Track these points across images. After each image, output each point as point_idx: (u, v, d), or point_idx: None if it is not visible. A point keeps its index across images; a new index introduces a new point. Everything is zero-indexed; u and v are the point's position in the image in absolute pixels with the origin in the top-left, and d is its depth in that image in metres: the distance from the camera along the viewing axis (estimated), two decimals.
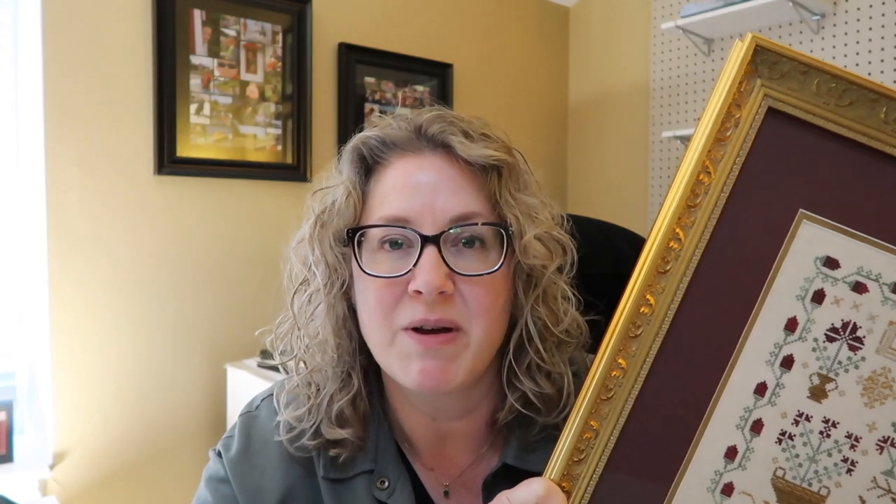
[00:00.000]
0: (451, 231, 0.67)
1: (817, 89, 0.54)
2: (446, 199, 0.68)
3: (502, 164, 0.71)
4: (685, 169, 0.55)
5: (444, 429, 0.77)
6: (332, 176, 0.76)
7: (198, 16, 2.28)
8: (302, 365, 0.76)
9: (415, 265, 0.66)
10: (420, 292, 0.65)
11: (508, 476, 0.71)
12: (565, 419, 0.71)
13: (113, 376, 2.15)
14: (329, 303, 0.73)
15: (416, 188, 0.69)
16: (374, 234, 0.70)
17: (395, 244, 0.69)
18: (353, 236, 0.70)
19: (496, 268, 0.68)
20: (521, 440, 0.74)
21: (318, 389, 0.75)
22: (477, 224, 0.68)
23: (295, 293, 0.76)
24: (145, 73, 2.20)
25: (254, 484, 0.75)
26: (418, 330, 0.67)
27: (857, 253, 0.54)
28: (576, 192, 3.47)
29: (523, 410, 0.73)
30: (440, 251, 0.66)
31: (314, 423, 0.74)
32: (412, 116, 0.74)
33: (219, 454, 0.79)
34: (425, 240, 0.66)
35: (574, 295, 0.75)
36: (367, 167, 0.74)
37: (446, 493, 0.77)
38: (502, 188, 0.71)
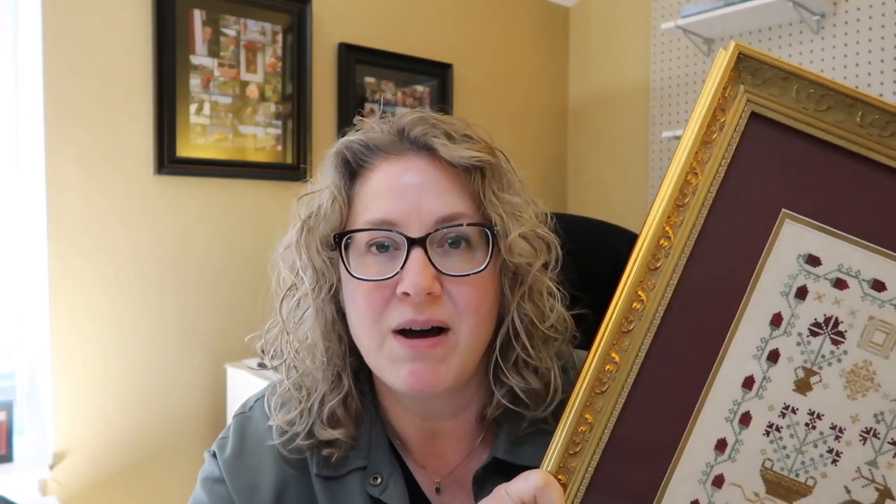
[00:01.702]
0: (437, 232, 0.68)
1: (797, 95, 0.57)
2: (431, 200, 0.69)
3: (485, 164, 0.71)
4: (674, 170, 0.58)
5: (435, 428, 0.77)
6: (317, 180, 0.77)
7: (198, 16, 2.29)
8: (293, 369, 0.77)
9: (402, 267, 0.66)
10: (408, 294, 0.66)
11: (499, 470, 0.72)
12: (553, 413, 0.73)
13: (113, 376, 2.16)
14: (317, 307, 0.74)
15: (400, 191, 0.70)
16: (361, 238, 0.70)
17: (382, 247, 0.69)
18: (339, 241, 0.71)
19: (482, 267, 0.69)
20: (511, 434, 0.75)
21: (309, 393, 0.76)
22: (462, 225, 0.69)
23: (283, 298, 0.76)
24: (145, 73, 2.20)
25: (249, 483, 0.76)
26: (407, 333, 0.68)
27: (837, 250, 0.57)
28: (576, 192, 3.47)
29: (511, 406, 0.74)
30: (427, 252, 0.67)
31: (307, 425, 0.74)
32: (395, 119, 0.75)
33: (213, 455, 0.79)
34: (412, 242, 0.67)
35: (559, 290, 0.76)
36: (352, 171, 0.74)
37: (438, 490, 0.77)
38: (486, 188, 0.71)
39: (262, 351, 0.79)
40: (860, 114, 0.56)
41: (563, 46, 3.53)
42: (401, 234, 0.67)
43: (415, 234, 0.67)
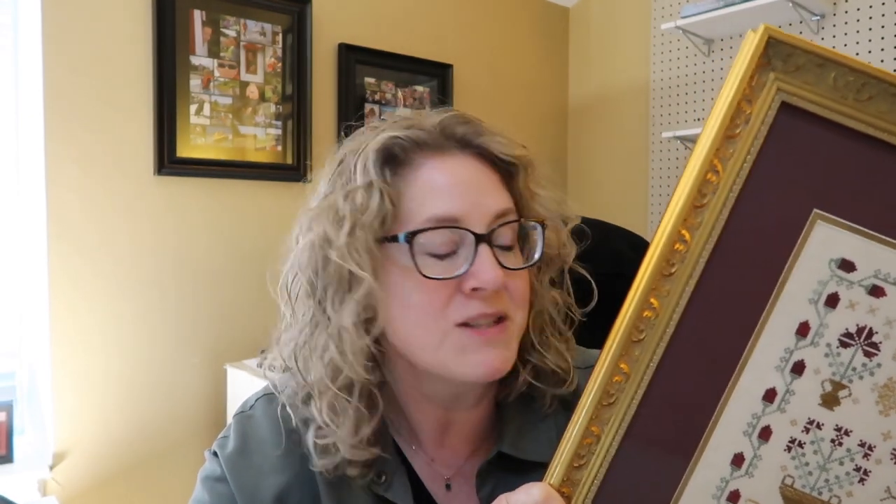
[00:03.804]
0: (501, 227, 0.69)
1: (834, 83, 0.51)
2: (487, 197, 0.70)
3: (528, 161, 0.74)
4: (692, 168, 0.53)
5: (452, 418, 0.77)
6: (329, 179, 0.75)
7: (198, 16, 2.28)
8: (326, 390, 0.72)
9: (471, 264, 0.66)
10: (476, 289, 0.66)
11: (502, 465, 0.73)
12: (573, 393, 0.75)
13: (113, 376, 2.15)
14: (358, 307, 0.70)
15: (458, 187, 0.70)
16: (426, 237, 0.68)
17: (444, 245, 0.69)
18: (411, 240, 0.68)
19: (536, 259, 0.72)
20: (519, 426, 0.76)
21: (345, 410, 0.72)
22: (520, 220, 0.72)
23: (318, 303, 0.72)
24: (145, 73, 2.19)
25: (251, 482, 0.74)
26: (471, 325, 0.68)
27: (874, 255, 0.52)
28: (576, 192, 3.47)
29: (535, 382, 0.76)
30: (492, 248, 0.68)
31: (343, 455, 0.71)
32: (426, 115, 0.75)
33: (214, 454, 0.78)
34: (479, 238, 0.67)
35: (569, 291, 0.79)
36: (393, 168, 0.72)
37: (448, 486, 0.77)
38: (526, 184, 0.74)
39: (297, 364, 0.74)
40: None
41: (563, 46, 3.53)
42: (467, 230, 0.68)
43: (479, 230, 0.68)
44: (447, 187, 0.69)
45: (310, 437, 0.73)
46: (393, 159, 0.72)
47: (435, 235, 0.68)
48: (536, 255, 0.72)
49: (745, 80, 0.52)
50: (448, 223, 0.68)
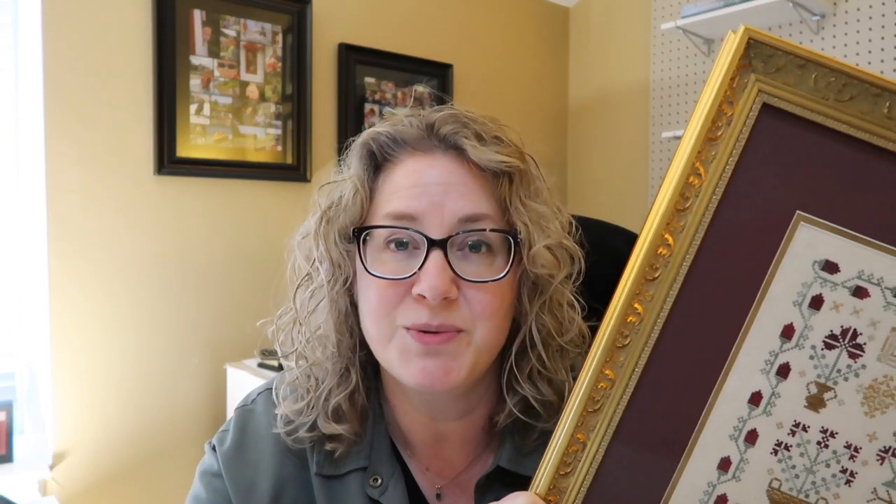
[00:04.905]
0: (458, 235, 0.66)
1: (815, 84, 0.51)
2: (455, 200, 0.67)
3: (514, 170, 0.69)
4: (674, 171, 0.53)
5: (442, 429, 0.76)
6: (340, 170, 0.76)
7: (198, 16, 2.28)
8: (303, 358, 0.76)
9: (420, 268, 0.65)
10: (424, 296, 0.64)
11: (501, 479, 0.71)
12: None
13: (113, 376, 2.15)
14: (331, 298, 0.73)
15: (424, 188, 0.68)
16: (380, 233, 0.69)
17: (400, 244, 0.68)
18: (358, 235, 0.69)
19: (502, 275, 0.67)
20: (517, 444, 0.74)
21: (318, 383, 0.74)
22: (485, 230, 0.67)
23: (298, 287, 0.75)
24: (145, 73, 2.20)
25: (246, 479, 0.75)
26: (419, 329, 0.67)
27: (857, 256, 0.51)
28: (576, 192, 3.47)
29: (522, 417, 0.72)
30: (446, 255, 0.65)
31: (311, 418, 0.74)
32: (425, 114, 0.73)
33: (213, 448, 0.78)
34: (432, 243, 0.65)
35: (577, 301, 0.74)
36: (376, 163, 0.73)
37: (438, 496, 0.76)
38: (513, 194, 0.70)
39: (273, 337, 0.78)
40: (888, 104, 0.50)
41: (563, 46, 3.52)
42: (421, 233, 0.66)
43: (436, 235, 0.65)
44: (411, 186, 0.68)
45: (290, 406, 0.75)
46: (374, 155, 0.72)
47: (385, 233, 0.68)
48: (503, 271, 0.67)
49: (725, 82, 0.51)
50: (403, 222, 0.67)
